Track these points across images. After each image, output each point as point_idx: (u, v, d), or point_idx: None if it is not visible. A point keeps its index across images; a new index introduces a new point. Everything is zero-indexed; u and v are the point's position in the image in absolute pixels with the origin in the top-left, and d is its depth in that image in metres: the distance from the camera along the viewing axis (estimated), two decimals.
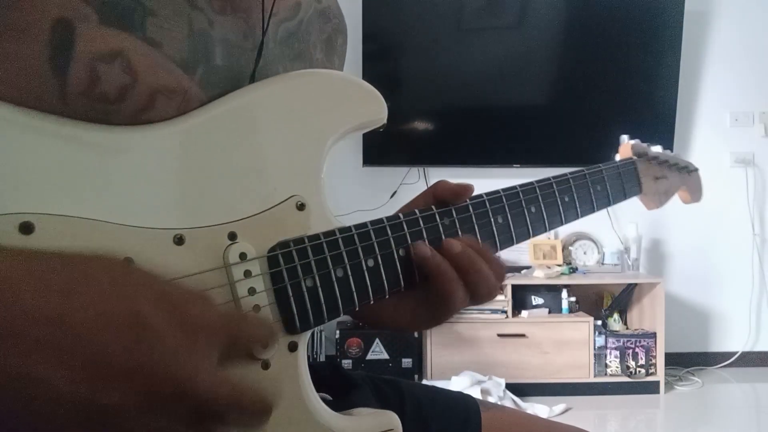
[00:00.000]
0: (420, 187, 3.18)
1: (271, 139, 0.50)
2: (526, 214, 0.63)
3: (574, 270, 3.14)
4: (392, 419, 0.53)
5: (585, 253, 3.26)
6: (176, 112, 0.47)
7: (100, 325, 0.32)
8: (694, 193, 0.89)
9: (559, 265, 3.12)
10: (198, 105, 0.48)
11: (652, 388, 2.93)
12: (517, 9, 3.13)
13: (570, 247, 3.26)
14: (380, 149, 3.13)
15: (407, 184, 3.21)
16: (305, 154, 0.52)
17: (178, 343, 0.34)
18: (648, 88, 3.19)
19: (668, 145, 3.18)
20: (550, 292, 3.04)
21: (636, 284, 3.09)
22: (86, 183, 0.42)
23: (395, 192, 3.20)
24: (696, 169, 0.89)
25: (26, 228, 0.38)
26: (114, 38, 0.43)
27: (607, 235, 3.27)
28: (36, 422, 0.31)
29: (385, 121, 0.56)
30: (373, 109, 0.56)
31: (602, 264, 3.23)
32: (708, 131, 3.35)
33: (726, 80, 3.33)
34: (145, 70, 0.44)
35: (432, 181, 3.49)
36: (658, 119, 3.18)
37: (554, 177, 0.67)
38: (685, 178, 0.87)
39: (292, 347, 0.49)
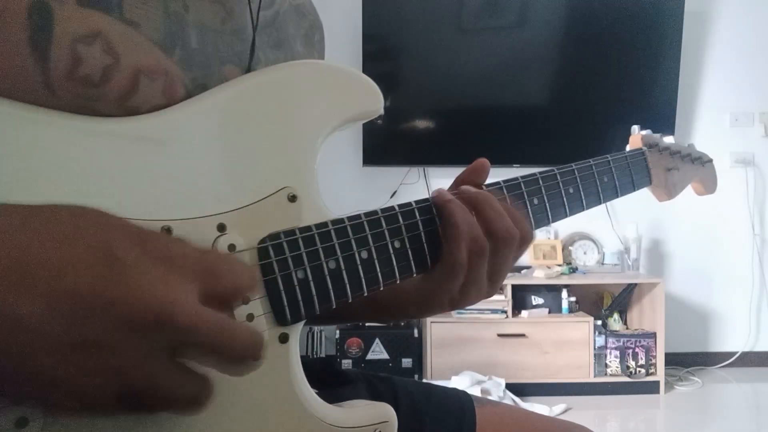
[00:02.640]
0: (420, 187, 3.20)
1: (263, 130, 0.50)
2: (528, 206, 0.61)
3: (574, 270, 3.14)
4: (386, 411, 0.52)
5: (585, 253, 3.26)
6: (161, 96, 0.47)
7: (71, 261, 0.32)
8: (708, 184, 0.87)
9: (559, 265, 3.12)
10: (181, 87, 0.48)
11: (652, 388, 2.93)
12: (517, 9, 3.13)
13: (570, 247, 3.26)
14: (380, 149, 3.13)
15: (407, 184, 3.22)
16: (297, 145, 0.51)
17: (153, 273, 0.34)
18: (648, 88, 3.19)
19: None
20: (550, 292, 3.03)
21: (636, 284, 3.09)
22: (73, 173, 0.42)
23: (395, 192, 3.20)
24: (710, 160, 0.87)
25: None
26: (92, 19, 0.43)
27: (607, 235, 3.27)
28: (22, 357, 0.32)
29: (381, 112, 0.55)
30: (368, 100, 0.55)
31: (602, 264, 3.23)
32: (708, 131, 3.35)
33: (726, 80, 3.33)
34: (126, 50, 0.44)
35: (432, 181, 3.48)
36: (658, 119, 3.18)
37: (558, 168, 0.65)
38: (698, 170, 0.85)
39: (283, 339, 0.49)
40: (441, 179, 3.23)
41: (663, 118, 3.18)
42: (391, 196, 3.17)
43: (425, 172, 3.25)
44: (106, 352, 0.33)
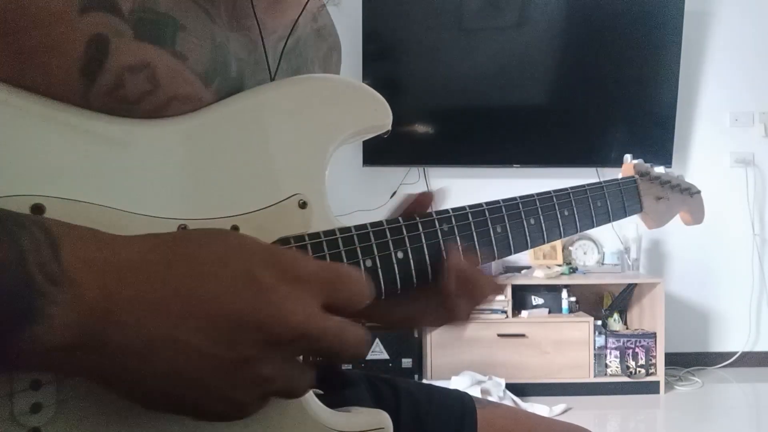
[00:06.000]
0: (420, 187, 3.20)
1: (277, 138, 0.52)
2: (525, 225, 0.64)
3: (574, 270, 3.14)
4: (383, 419, 0.53)
5: (585, 253, 3.26)
6: None
7: (222, 289, 0.38)
8: (696, 215, 0.92)
9: (559, 265, 3.13)
10: None
11: (652, 388, 2.93)
12: (518, 9, 3.14)
13: (570, 247, 3.26)
14: (380, 149, 3.13)
15: (407, 184, 3.22)
16: (309, 154, 0.53)
17: (289, 294, 0.39)
18: (648, 88, 3.19)
19: (668, 145, 3.18)
20: (550, 292, 3.04)
21: (636, 284, 3.09)
22: (95, 171, 0.44)
23: (395, 192, 3.20)
24: (698, 192, 0.92)
25: (37, 209, 0.41)
26: (144, 51, 0.46)
27: (607, 235, 3.27)
28: (193, 377, 0.38)
29: (389, 127, 0.58)
30: (377, 115, 0.57)
31: (602, 264, 3.23)
32: (708, 131, 3.35)
33: (726, 80, 3.33)
34: (167, 80, 0.47)
35: (432, 182, 3.48)
36: (659, 119, 3.18)
37: (555, 191, 0.68)
38: (686, 200, 0.89)
39: None
40: (441, 179, 3.24)
41: (663, 118, 3.18)
42: (391, 197, 3.17)
43: (425, 172, 3.25)
44: (258, 365, 0.39)
